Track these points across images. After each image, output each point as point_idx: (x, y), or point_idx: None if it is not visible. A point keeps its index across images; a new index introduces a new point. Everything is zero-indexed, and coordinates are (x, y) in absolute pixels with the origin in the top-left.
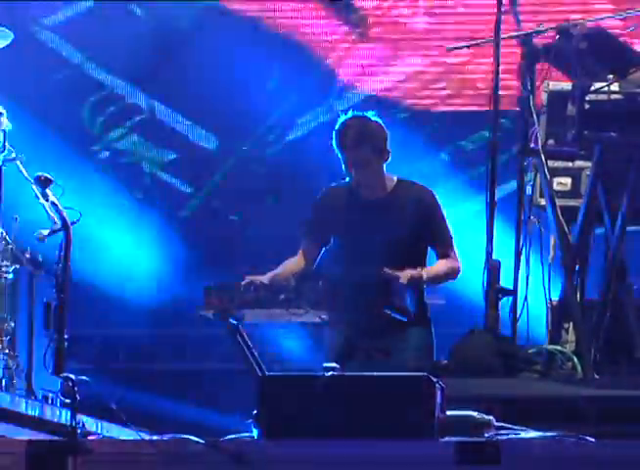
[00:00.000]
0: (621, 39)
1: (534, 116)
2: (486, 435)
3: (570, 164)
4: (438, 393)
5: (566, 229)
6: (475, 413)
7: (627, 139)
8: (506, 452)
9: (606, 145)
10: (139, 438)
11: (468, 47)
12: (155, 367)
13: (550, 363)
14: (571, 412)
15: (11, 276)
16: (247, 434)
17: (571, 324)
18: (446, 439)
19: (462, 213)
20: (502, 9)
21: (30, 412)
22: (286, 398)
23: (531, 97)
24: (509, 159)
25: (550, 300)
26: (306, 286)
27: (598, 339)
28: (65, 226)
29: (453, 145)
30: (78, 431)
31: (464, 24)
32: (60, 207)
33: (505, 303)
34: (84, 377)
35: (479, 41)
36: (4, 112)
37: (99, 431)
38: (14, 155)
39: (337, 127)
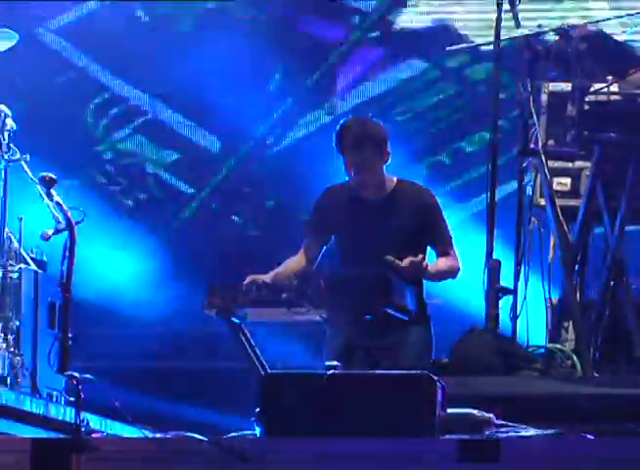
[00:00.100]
0: (620, 41)
1: (534, 116)
2: (487, 433)
3: (569, 165)
4: (439, 391)
5: (565, 229)
6: (475, 411)
7: (626, 139)
8: (506, 450)
9: (605, 145)
10: (143, 436)
11: (468, 49)
12: (160, 366)
13: (550, 362)
14: (570, 410)
15: (16, 276)
16: (249, 432)
17: (571, 323)
18: (447, 437)
19: (462, 214)
20: (502, 11)
21: (35, 410)
22: (288, 396)
23: (531, 98)
24: (509, 159)
25: (550, 299)
26: (308, 285)
27: (597, 337)
28: (69, 226)
29: (453, 146)
30: (83, 429)
31: (465, 25)
32: (64, 207)
33: (505, 302)
34: (88, 375)
35: (479, 43)
36: (9, 113)
37: (103, 429)
38: (18, 155)
39: (337, 129)
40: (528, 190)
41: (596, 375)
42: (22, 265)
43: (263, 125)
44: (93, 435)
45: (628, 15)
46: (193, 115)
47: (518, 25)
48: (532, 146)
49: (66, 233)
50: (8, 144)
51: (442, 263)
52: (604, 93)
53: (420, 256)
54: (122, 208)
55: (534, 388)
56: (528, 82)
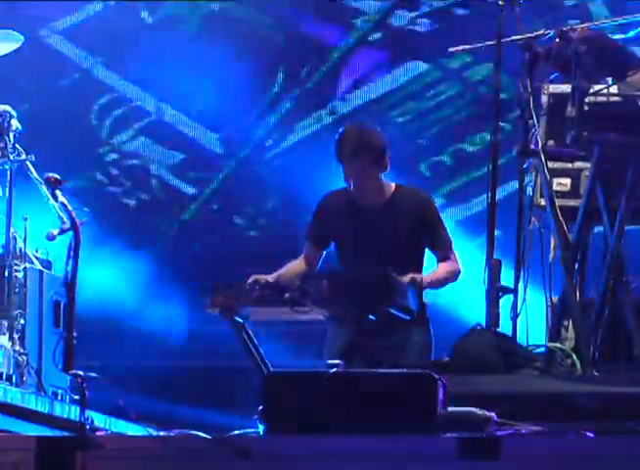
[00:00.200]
0: (620, 43)
1: (534, 117)
2: (487, 431)
3: (569, 165)
4: (440, 389)
5: (565, 229)
6: (475, 410)
7: (626, 140)
8: (506, 448)
9: (604, 146)
10: (146, 434)
11: (470, 50)
12: (161, 365)
13: (550, 360)
14: (570, 409)
15: (21, 275)
16: (252, 430)
17: (571, 322)
18: (448, 434)
19: (463, 214)
20: (503, 13)
21: (40, 408)
22: (290, 394)
23: (532, 99)
24: (509, 160)
25: (550, 298)
26: (311, 285)
27: (597, 336)
28: (74, 226)
29: (454, 147)
30: (87, 427)
31: (466, 27)
32: (69, 207)
33: (506, 301)
34: (93, 374)
35: (480, 44)
36: (14, 114)
37: (107, 427)
38: (23, 156)
39: (336, 138)
40: (529, 190)
41: (596, 374)
42: (28, 265)
43: (265, 127)
44: (97, 433)
45: (626, 18)
46: (196, 116)
47: (518, 27)
48: (532, 146)
49: (70, 233)
50: (13, 145)
51: (442, 269)
52: (603, 94)
53: (419, 275)
54: (125, 208)
55: (534, 386)
56: (529, 84)
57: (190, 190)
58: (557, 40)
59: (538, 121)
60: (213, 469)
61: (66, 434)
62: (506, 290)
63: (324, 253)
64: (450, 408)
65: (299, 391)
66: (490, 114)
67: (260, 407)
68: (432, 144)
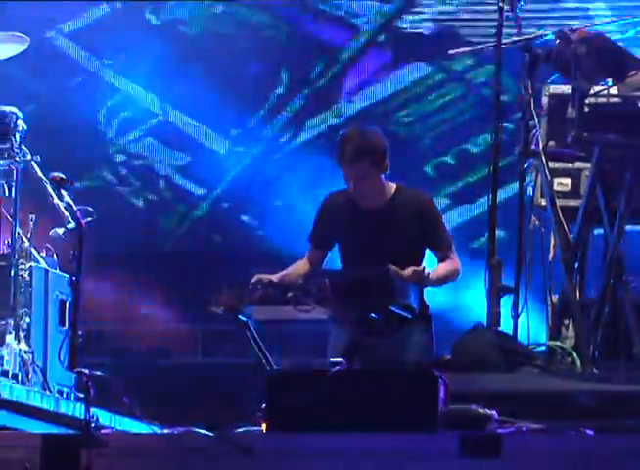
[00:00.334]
0: (620, 44)
1: (535, 118)
2: (488, 429)
3: (569, 166)
4: (442, 388)
5: (566, 228)
6: (477, 407)
7: (625, 141)
8: (507, 446)
9: (605, 146)
10: (151, 431)
11: (471, 52)
12: (164, 363)
13: (550, 359)
14: (570, 407)
15: (27, 274)
16: (255, 427)
17: (571, 321)
18: (449, 432)
19: (466, 214)
20: (504, 15)
21: (46, 406)
22: (293, 392)
23: (532, 100)
24: (511, 161)
25: (550, 297)
26: (313, 284)
27: (597, 335)
28: (79, 226)
29: (458, 148)
30: (92, 425)
31: (467, 30)
32: (74, 206)
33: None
34: (98, 372)
35: (482, 46)
36: (20, 114)
37: (112, 424)
38: (29, 156)
39: (337, 141)
40: (530, 190)
41: (595, 372)
42: (33, 264)
43: (271, 128)
44: (102, 430)
45: (625, 19)
46: (202, 117)
47: (519, 29)
48: (533, 147)
49: (75, 233)
50: (19, 145)
51: (443, 268)
52: (603, 95)
53: (422, 265)
54: (133, 208)
55: (535, 384)
56: (530, 85)
57: (197, 190)
58: (557, 42)
59: (539, 122)
60: (217, 466)
61: (71, 431)
62: (507, 289)
63: (327, 254)
64: (451, 406)
65: (302, 389)
66: (493, 115)
67: (263, 405)
68: (435, 145)
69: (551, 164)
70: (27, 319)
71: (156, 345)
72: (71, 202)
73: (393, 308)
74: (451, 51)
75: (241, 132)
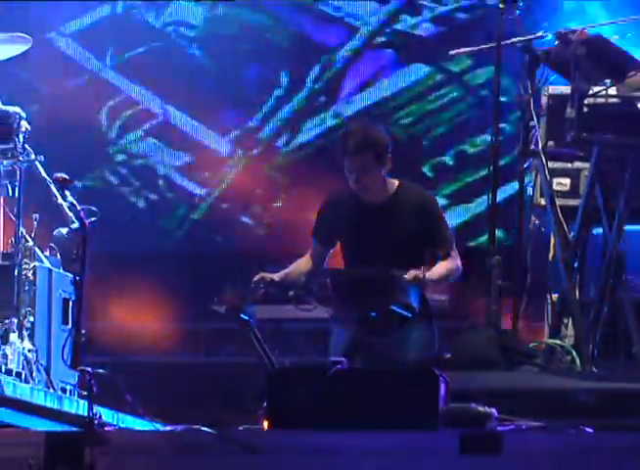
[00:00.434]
0: (618, 45)
1: (535, 119)
2: (488, 426)
3: (569, 165)
4: (442, 386)
5: (565, 228)
6: (477, 406)
7: (624, 141)
8: (507, 443)
9: (603, 146)
10: (154, 429)
11: (470, 53)
12: (167, 361)
13: (550, 357)
14: (570, 405)
15: (31, 273)
16: (257, 425)
17: (571, 319)
18: (450, 430)
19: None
20: (503, 16)
21: (49, 404)
22: (295, 390)
23: (532, 101)
24: (510, 161)
25: (550, 296)
26: (315, 283)
27: (596, 334)
28: (82, 225)
29: (456, 148)
30: (95, 422)
31: (467, 31)
32: (77, 206)
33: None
34: (101, 370)
35: (481, 47)
36: (24, 115)
37: (115, 422)
38: (33, 156)
39: (341, 134)
40: (529, 190)
41: (595, 370)
42: (37, 263)
43: (271, 129)
44: (105, 428)
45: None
46: (203, 117)
47: (519, 30)
48: (533, 147)
49: (79, 232)
50: (23, 145)
51: (444, 267)
52: (602, 96)
53: (422, 269)
54: (134, 208)
55: (535, 383)
56: (529, 85)
57: (197, 190)
58: (556, 43)
59: (538, 122)
60: (219, 464)
61: (74, 429)
62: (507, 288)
63: (329, 251)
64: (451, 405)
65: (303, 387)
66: (491, 116)
67: (265, 403)
68: (434, 145)
69: (550, 164)
70: (31, 318)
71: (157, 344)
72: (75, 202)
73: (394, 307)
74: (452, 52)
75: (241, 133)
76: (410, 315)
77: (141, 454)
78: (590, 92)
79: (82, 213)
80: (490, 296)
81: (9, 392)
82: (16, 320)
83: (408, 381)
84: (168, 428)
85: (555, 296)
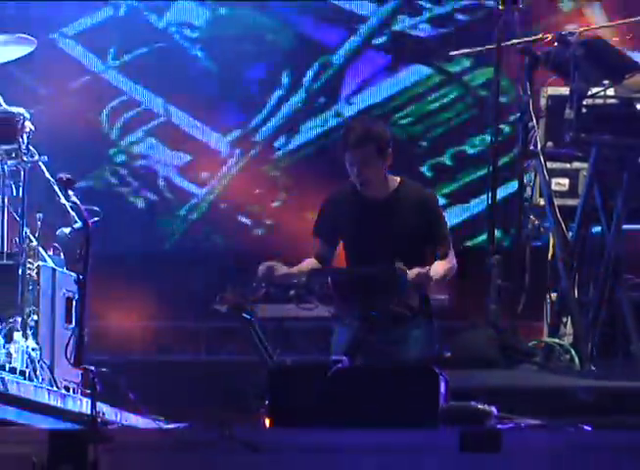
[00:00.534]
0: (617, 47)
1: (534, 119)
2: (488, 424)
3: (567, 166)
4: (442, 384)
5: (564, 228)
6: (477, 404)
7: (622, 141)
8: (507, 441)
9: (602, 147)
10: (156, 426)
11: (470, 53)
12: (170, 359)
13: (549, 356)
14: (568, 403)
15: (34, 273)
16: (259, 423)
17: (569, 318)
18: (450, 428)
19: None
20: (503, 17)
21: (53, 402)
22: (296, 388)
23: (531, 102)
24: (509, 161)
25: (549, 295)
26: (316, 282)
27: (595, 333)
28: (85, 225)
29: (455, 149)
30: (99, 420)
31: (466, 32)
32: (80, 206)
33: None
34: (104, 369)
35: (481, 48)
36: (28, 115)
37: (118, 420)
38: (36, 157)
39: (343, 129)
40: (528, 190)
41: (593, 369)
42: (41, 263)
43: (271, 129)
44: (109, 426)
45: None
46: (204, 118)
47: (518, 32)
48: (532, 148)
49: (82, 232)
50: (27, 146)
51: (442, 266)
52: (601, 97)
53: (427, 267)
54: (134, 208)
55: (534, 381)
56: (528, 86)
57: (197, 190)
58: (555, 44)
59: (537, 123)
60: (221, 462)
61: (77, 427)
62: (506, 287)
63: (335, 248)
64: (451, 403)
65: (304, 386)
66: (490, 116)
67: (266, 402)
68: (433, 146)
69: (549, 165)
70: (35, 317)
71: (159, 343)
72: (78, 202)
73: (395, 306)
74: (452, 53)
75: (242, 133)
76: (410, 314)
77: (144, 452)
78: (589, 93)
79: (85, 213)
80: (490, 295)
81: (13, 390)
82: (20, 319)
83: (409, 379)
84: (171, 426)
85: (554, 295)
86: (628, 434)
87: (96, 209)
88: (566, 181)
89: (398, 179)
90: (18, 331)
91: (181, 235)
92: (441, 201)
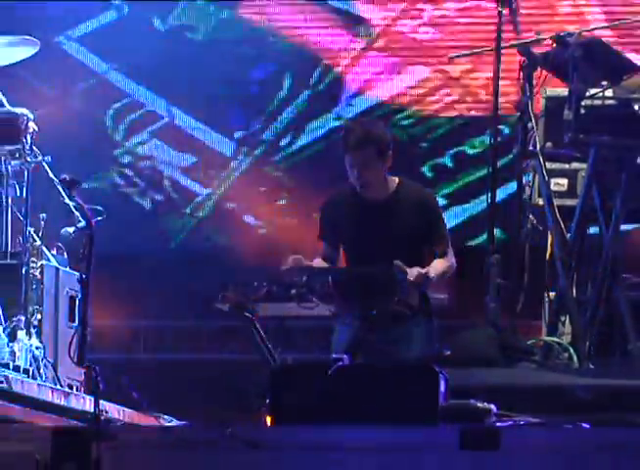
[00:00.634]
0: (615, 48)
1: (533, 120)
2: (487, 422)
3: (566, 166)
4: (442, 382)
5: (562, 227)
6: (476, 402)
7: (621, 142)
8: (506, 439)
9: (600, 148)
10: (159, 425)
11: (470, 55)
12: (171, 358)
13: (547, 354)
14: (567, 401)
15: (38, 272)
16: (260, 421)
17: (568, 317)
18: (450, 426)
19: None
20: (502, 19)
21: (56, 400)
22: (297, 386)
23: (530, 102)
24: (509, 161)
25: (548, 294)
26: (317, 281)
27: (593, 331)
28: (88, 225)
29: (455, 149)
30: (102, 418)
31: (466, 34)
32: (84, 206)
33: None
34: (107, 367)
35: (480, 50)
36: (32, 116)
37: (121, 418)
38: (40, 157)
39: (343, 130)
40: (527, 190)
41: (591, 367)
42: (44, 262)
43: (274, 129)
44: (112, 424)
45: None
46: (207, 119)
47: (517, 33)
48: (531, 148)
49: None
50: (30, 146)
51: (442, 265)
52: (599, 98)
53: (427, 268)
54: (140, 208)
55: (533, 379)
56: (527, 88)
57: (202, 190)
58: (554, 45)
59: (536, 124)
60: (222, 460)
61: (81, 425)
62: (505, 286)
63: (339, 249)
64: (451, 401)
65: (305, 384)
66: (490, 117)
67: (267, 400)
68: (433, 147)
69: (548, 165)
70: (38, 316)
71: (161, 342)
72: (81, 202)
73: (395, 305)
74: (452, 54)
75: (245, 134)
76: (410, 313)
77: (147, 450)
78: (587, 94)
79: (89, 213)
80: (489, 294)
81: (17, 388)
82: (23, 318)
83: (409, 377)
84: (174, 424)
85: (552, 294)
86: (626, 431)
87: (99, 208)
88: (564, 181)
89: (397, 180)
90: (21, 330)
91: (186, 234)
92: (442, 201)
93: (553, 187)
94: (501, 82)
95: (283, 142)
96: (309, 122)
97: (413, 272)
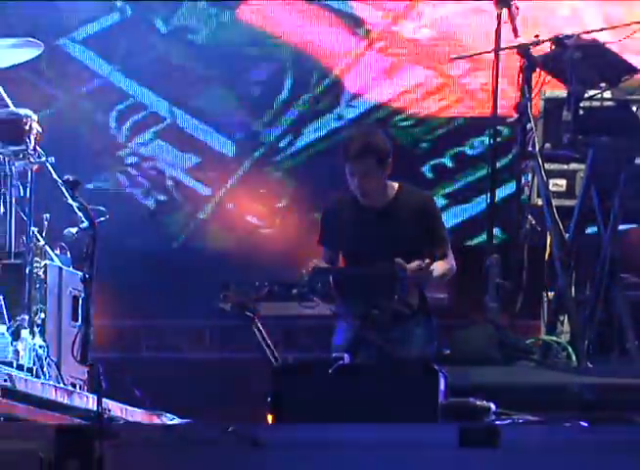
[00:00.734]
0: (613, 50)
1: (532, 121)
2: (486, 420)
3: (565, 167)
4: (442, 381)
5: (561, 228)
6: (475, 400)
7: (618, 143)
8: (505, 437)
9: (598, 148)
10: (162, 423)
11: (469, 57)
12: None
13: (546, 353)
14: (566, 399)
15: (42, 271)
16: (261, 420)
17: (566, 317)
18: (449, 424)
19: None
20: (502, 21)
21: (59, 398)
22: (298, 385)
23: (529, 104)
24: (508, 162)
25: (547, 293)
26: (317, 281)
27: (591, 331)
28: (91, 225)
29: (455, 150)
30: (105, 416)
31: (465, 36)
32: (87, 207)
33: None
34: (109, 366)
35: (479, 52)
36: (35, 117)
37: (124, 416)
38: (43, 158)
39: (344, 139)
40: (526, 191)
41: (590, 366)
42: (48, 262)
43: (275, 130)
44: (115, 422)
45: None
46: (209, 120)
47: (516, 35)
48: (530, 149)
49: (88, 232)
50: (34, 147)
51: (442, 266)
52: (597, 99)
53: (427, 260)
54: (144, 208)
55: (532, 378)
56: (526, 89)
57: (205, 191)
58: (553, 47)
59: (535, 125)
60: (224, 458)
61: (84, 423)
62: (505, 286)
63: (340, 254)
64: (451, 399)
65: (306, 382)
66: (489, 118)
67: (269, 399)
68: (433, 147)
69: (547, 166)
70: (42, 315)
71: (164, 341)
72: (84, 202)
73: (395, 304)
74: (452, 56)
75: (246, 135)
76: (410, 312)
77: (149, 448)
78: (586, 95)
79: (92, 213)
80: (489, 294)
81: (21, 387)
82: (27, 317)
83: (409, 376)
84: (176, 422)
85: (551, 294)
86: (625, 429)
87: (102, 209)
88: (563, 182)
89: (396, 186)
90: (25, 329)
91: (188, 234)
92: (442, 201)
93: (552, 187)
94: (500, 83)
95: (283, 143)
96: (310, 123)
97: (413, 266)
